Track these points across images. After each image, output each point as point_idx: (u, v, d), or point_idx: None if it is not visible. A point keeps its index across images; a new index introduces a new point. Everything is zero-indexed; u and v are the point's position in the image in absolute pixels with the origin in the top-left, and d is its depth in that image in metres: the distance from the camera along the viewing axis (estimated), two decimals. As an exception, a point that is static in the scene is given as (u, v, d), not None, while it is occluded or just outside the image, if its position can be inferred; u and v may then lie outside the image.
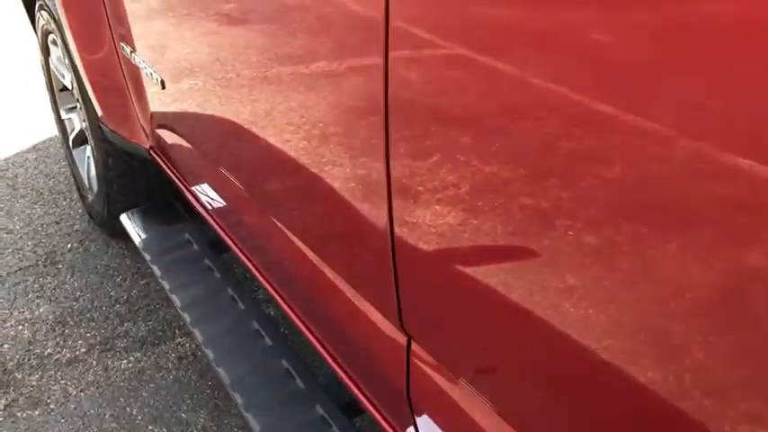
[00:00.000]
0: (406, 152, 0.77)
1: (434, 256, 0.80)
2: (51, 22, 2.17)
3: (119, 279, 2.27)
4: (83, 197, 2.44)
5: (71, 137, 2.45)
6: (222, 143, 1.35)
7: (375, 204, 0.86)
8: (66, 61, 2.14)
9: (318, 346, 1.18)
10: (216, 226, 1.54)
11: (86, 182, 2.35)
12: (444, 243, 0.77)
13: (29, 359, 2.02)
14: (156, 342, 2.02)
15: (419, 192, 0.77)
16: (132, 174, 2.08)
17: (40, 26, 2.38)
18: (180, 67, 1.38)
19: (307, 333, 1.24)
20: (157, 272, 1.67)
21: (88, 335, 2.06)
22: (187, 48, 1.32)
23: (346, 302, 1.06)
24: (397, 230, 0.83)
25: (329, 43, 0.85)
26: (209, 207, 1.56)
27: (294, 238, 1.18)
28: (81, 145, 2.43)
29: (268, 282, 1.38)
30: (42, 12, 2.27)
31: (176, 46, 1.38)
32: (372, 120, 0.78)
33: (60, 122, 2.58)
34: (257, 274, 1.40)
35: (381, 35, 0.71)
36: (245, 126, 1.13)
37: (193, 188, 1.64)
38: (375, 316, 0.99)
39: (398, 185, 0.80)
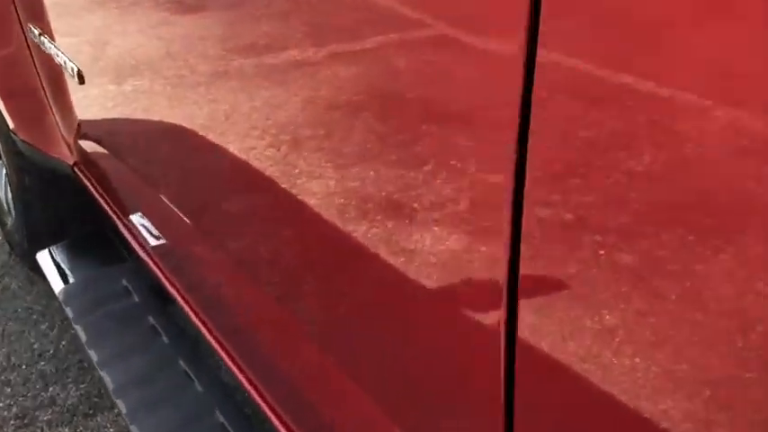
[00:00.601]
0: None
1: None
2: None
3: (44, 326, 1.93)
4: (2, 223, 2.17)
5: (-14, 148, 2.09)
6: (171, 157, 1.22)
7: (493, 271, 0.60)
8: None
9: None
10: (158, 272, 1.31)
11: (4, 204, 2.09)
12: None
13: None
14: (91, 412, 1.68)
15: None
16: (56, 196, 1.81)
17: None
18: (120, 65, 1.27)
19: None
20: (83, 336, 1.37)
21: (0, 404, 1.71)
22: (132, 42, 1.23)
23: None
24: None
25: (323, 30, 0.75)
26: (150, 244, 1.35)
27: (276, 307, 1.00)
28: (-1, 158, 2.10)
29: (235, 364, 1.09)
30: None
31: (117, 40, 1.28)
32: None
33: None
34: (220, 351, 1.13)
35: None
36: (202, 133, 1.04)
37: (131, 218, 1.43)
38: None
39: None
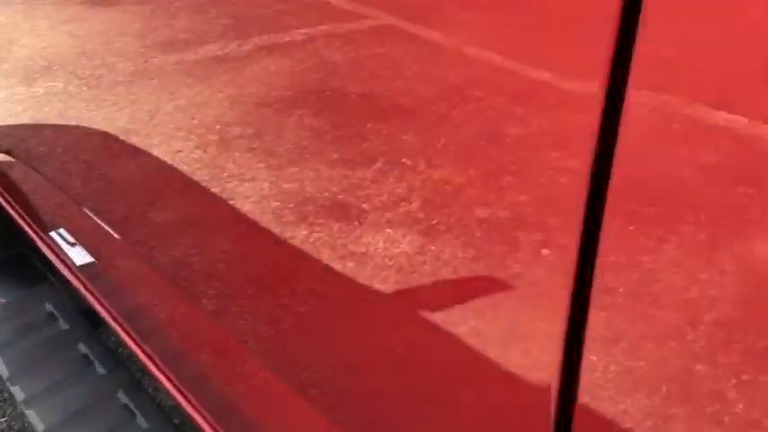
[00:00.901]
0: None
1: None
2: None
3: (-40, 356, 1.79)
4: None
5: None
6: (91, 164, 1.21)
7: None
8: None
9: None
10: (86, 293, 1.28)
11: None
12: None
13: None
14: (14, 448, 1.63)
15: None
16: (-37, 215, 1.75)
17: None
18: (29, 66, 1.26)
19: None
20: (4, 371, 1.26)
21: None
22: (42, 40, 1.22)
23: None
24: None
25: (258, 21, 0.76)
26: (75, 262, 1.32)
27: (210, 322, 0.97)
28: None
29: (176, 388, 1.08)
30: None
31: (25, 38, 1.28)
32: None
33: None
34: (159, 375, 1.11)
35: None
36: (123, 136, 1.04)
37: (51, 234, 1.40)
38: None
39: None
